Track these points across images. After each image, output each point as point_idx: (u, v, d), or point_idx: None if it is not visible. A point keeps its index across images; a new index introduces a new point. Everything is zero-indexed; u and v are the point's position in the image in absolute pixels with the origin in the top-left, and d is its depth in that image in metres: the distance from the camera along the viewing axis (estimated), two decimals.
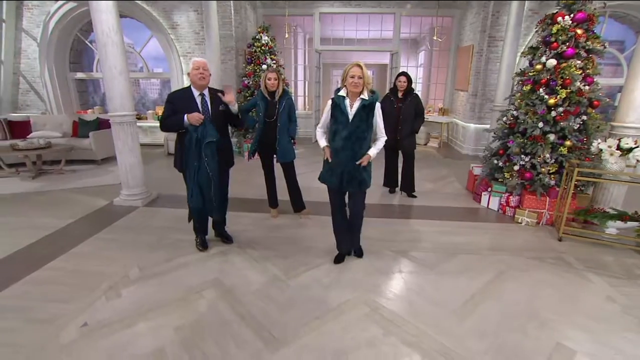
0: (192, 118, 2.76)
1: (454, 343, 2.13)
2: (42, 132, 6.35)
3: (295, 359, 1.99)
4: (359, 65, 2.56)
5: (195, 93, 2.90)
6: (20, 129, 6.34)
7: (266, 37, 7.01)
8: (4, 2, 7.41)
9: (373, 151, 2.71)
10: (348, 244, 3.08)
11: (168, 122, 2.87)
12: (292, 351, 2.05)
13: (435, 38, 8.09)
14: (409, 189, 4.79)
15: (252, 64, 6.98)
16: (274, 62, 7.07)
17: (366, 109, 2.61)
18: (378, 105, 2.66)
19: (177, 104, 2.85)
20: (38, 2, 7.65)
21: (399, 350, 2.08)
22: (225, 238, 3.40)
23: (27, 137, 6.11)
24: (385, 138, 2.78)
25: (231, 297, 2.55)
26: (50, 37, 7.81)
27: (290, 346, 2.09)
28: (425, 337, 2.18)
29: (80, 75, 8.55)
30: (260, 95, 3.59)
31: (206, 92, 2.94)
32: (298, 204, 3.98)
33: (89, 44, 8.58)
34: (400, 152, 4.69)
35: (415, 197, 4.76)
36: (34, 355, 1.97)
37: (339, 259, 3.07)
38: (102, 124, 6.64)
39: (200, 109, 2.88)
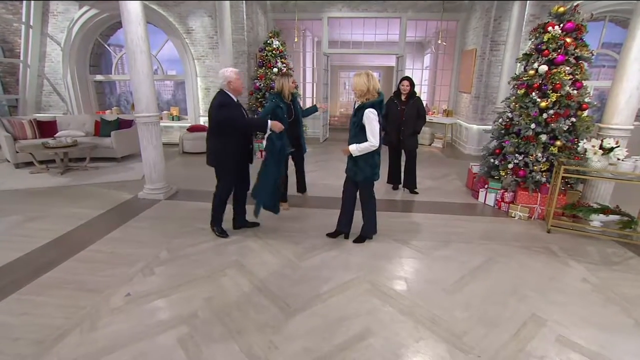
0: (275, 126, 3.26)
1: (442, 312, 2.53)
2: (68, 131, 6.88)
3: (306, 322, 2.41)
4: (357, 74, 3.07)
5: (234, 99, 3.33)
6: (47, 128, 6.87)
7: (277, 42, 7.46)
8: (32, 9, 7.98)
9: (352, 147, 3.13)
10: (343, 225, 3.58)
11: (254, 122, 3.40)
12: (303, 316, 2.47)
13: (440, 42, 8.47)
14: (411, 186, 5.17)
15: (263, 67, 7.44)
16: (284, 65, 7.51)
17: (357, 112, 3.09)
18: (368, 110, 3.00)
19: (234, 110, 3.24)
20: (63, 9, 8.21)
21: (394, 317, 2.48)
22: (251, 224, 3.89)
23: (55, 135, 6.63)
24: (372, 144, 3.06)
25: (250, 275, 2.98)
26: (73, 42, 8.37)
27: (302, 313, 2.51)
28: (417, 308, 2.58)
29: (99, 77, 9.10)
30: (279, 99, 3.98)
31: None
32: (302, 186, 4.72)
33: (107, 47, 9.12)
34: (403, 151, 5.09)
35: (417, 193, 5.15)
36: (92, 315, 2.43)
37: (331, 234, 3.63)
38: (122, 124, 7.17)
39: (242, 112, 3.37)
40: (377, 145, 3.10)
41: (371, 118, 3.02)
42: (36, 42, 8.36)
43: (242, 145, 3.40)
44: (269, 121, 3.29)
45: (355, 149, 3.11)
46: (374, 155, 3.21)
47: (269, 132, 3.37)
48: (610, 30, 7.82)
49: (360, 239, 3.59)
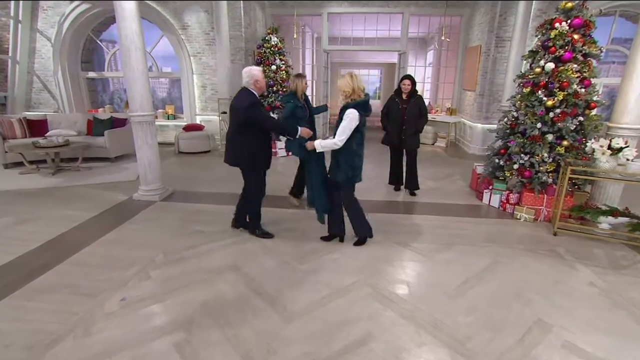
0: (304, 132, 3.42)
1: (444, 317, 2.55)
2: (59, 130, 6.90)
3: (305, 327, 2.44)
4: (340, 76, 3.17)
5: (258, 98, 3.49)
6: (38, 127, 6.89)
7: (275, 38, 7.49)
8: (21, 3, 8.00)
9: (316, 142, 3.21)
10: (334, 228, 3.64)
11: (287, 126, 3.55)
12: (302, 320, 2.50)
13: (443, 38, 8.50)
14: (412, 186, 5.19)
15: (262, 64, 7.46)
16: (283, 62, 7.54)
17: (341, 112, 3.12)
18: (348, 111, 3.05)
19: (264, 110, 3.46)
20: (53, 3, 8.23)
21: (396, 321, 2.51)
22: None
23: (46, 135, 6.65)
24: (335, 142, 3.10)
25: (248, 278, 3.01)
26: (63, 37, 8.39)
27: (301, 317, 2.54)
28: (419, 312, 2.61)
29: (91, 74, 9.12)
30: (295, 100, 4.08)
31: None
32: (301, 189, 4.71)
33: (100, 43, 9.14)
34: (404, 151, 5.10)
35: (415, 195, 5.16)
36: (86, 320, 2.46)
37: (325, 238, 3.69)
38: (116, 123, 7.19)
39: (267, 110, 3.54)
40: (340, 145, 3.11)
41: (349, 117, 3.04)
42: (25, 38, 8.39)
43: (265, 143, 3.54)
44: (300, 127, 3.44)
45: (319, 144, 3.20)
46: (353, 156, 3.23)
47: (297, 137, 3.52)
48: (620, 26, 7.83)
49: (359, 242, 3.62)
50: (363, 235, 3.63)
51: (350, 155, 3.22)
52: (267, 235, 3.76)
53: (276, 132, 3.45)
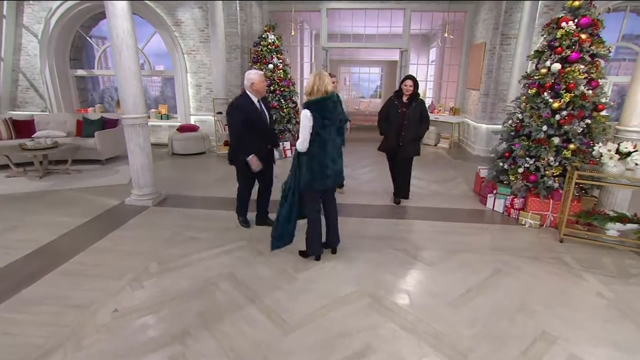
0: (254, 164, 3.52)
1: (446, 328, 2.59)
2: (47, 131, 6.92)
3: (303, 338, 2.47)
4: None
5: (254, 100, 3.62)
6: (24, 128, 6.92)
7: (272, 36, 7.51)
8: (5, 1, 8.02)
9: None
10: (327, 238, 3.63)
11: (242, 143, 3.56)
12: (300, 332, 2.53)
13: (446, 35, 8.55)
14: (401, 194, 5.07)
15: (258, 63, 7.49)
16: (280, 61, 7.57)
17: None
18: (304, 112, 3.03)
19: (247, 112, 3.58)
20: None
21: (397, 333, 2.54)
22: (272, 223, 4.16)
23: (33, 136, 6.66)
24: (296, 146, 3.15)
25: (244, 287, 3.04)
26: (51, 34, 8.40)
27: (299, 328, 2.57)
28: (420, 323, 2.64)
29: (80, 72, 9.13)
30: None
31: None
32: None
33: (89, 39, 9.15)
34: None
35: (398, 203, 5.06)
36: (76, 333, 2.48)
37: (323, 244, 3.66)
38: (107, 123, 7.21)
39: (260, 113, 3.68)
40: (300, 148, 3.10)
41: (301, 119, 3.04)
42: (10, 34, 8.40)
43: (256, 145, 3.60)
44: (248, 158, 3.53)
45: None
46: (311, 161, 3.14)
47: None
48: (631, 22, 7.88)
49: (303, 253, 3.55)
50: (307, 251, 3.52)
51: (308, 160, 3.15)
52: (244, 223, 4.04)
53: (234, 146, 3.62)
